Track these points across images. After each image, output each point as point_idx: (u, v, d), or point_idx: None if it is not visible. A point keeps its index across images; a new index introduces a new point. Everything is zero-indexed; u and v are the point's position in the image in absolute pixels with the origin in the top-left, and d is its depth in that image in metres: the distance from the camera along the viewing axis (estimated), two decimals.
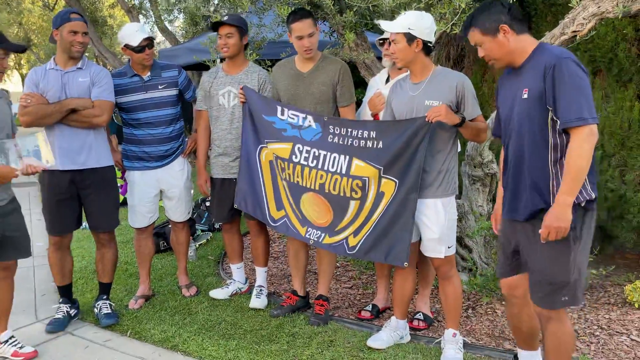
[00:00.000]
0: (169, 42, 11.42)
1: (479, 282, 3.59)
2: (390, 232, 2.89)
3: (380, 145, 2.88)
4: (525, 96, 2.23)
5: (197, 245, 4.89)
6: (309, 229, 3.19)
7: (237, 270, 3.81)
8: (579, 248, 2.21)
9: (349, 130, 3.00)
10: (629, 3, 2.75)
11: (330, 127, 3.06)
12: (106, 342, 3.18)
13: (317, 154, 3.10)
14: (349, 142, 2.99)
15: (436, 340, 3.05)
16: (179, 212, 3.73)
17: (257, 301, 3.55)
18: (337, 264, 4.35)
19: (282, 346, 3.03)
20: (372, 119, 3.30)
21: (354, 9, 4.00)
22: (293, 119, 3.19)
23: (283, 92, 3.36)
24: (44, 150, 2.93)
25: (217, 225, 5.48)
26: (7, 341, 3.04)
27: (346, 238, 3.06)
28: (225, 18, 3.39)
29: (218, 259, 4.68)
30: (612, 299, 3.64)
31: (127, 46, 3.43)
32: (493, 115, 3.58)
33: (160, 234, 4.82)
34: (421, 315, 3.33)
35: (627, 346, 3.02)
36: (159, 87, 3.52)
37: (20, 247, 3.03)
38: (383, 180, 2.90)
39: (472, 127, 2.72)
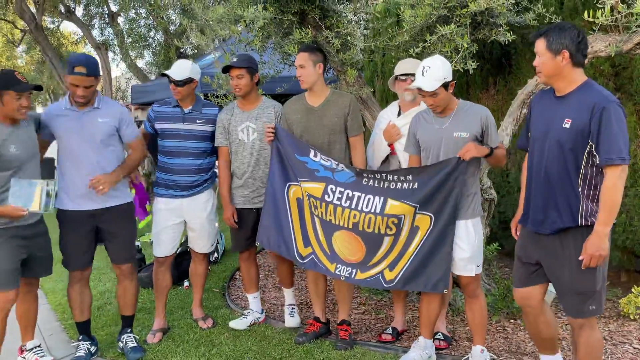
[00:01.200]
0: (137, 78, 11.42)
1: (489, 301, 3.79)
2: (429, 263, 3.02)
3: (416, 185, 3.03)
4: (567, 126, 2.45)
5: None
6: (339, 265, 3.24)
7: (253, 300, 3.86)
8: (604, 261, 2.45)
9: (384, 175, 3.14)
10: (620, 43, 3.11)
11: (364, 174, 3.20)
12: None
13: (350, 195, 3.19)
14: (385, 185, 3.12)
15: (464, 358, 3.20)
16: (201, 243, 3.77)
17: (292, 320, 3.68)
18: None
19: None
20: (387, 148, 3.50)
21: (357, 48, 4.27)
22: (326, 162, 3.30)
23: (295, 125, 3.50)
24: (36, 198, 2.95)
25: (212, 259, 5.48)
26: (32, 349, 3.28)
27: (381, 272, 3.14)
28: (235, 60, 3.54)
29: (223, 291, 4.68)
30: (606, 312, 3.91)
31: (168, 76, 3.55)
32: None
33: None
34: (441, 335, 3.47)
35: (632, 354, 3.28)
36: (197, 121, 3.62)
37: (44, 265, 3.25)
38: (418, 215, 3.04)
39: (497, 155, 2.96)
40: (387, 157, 3.49)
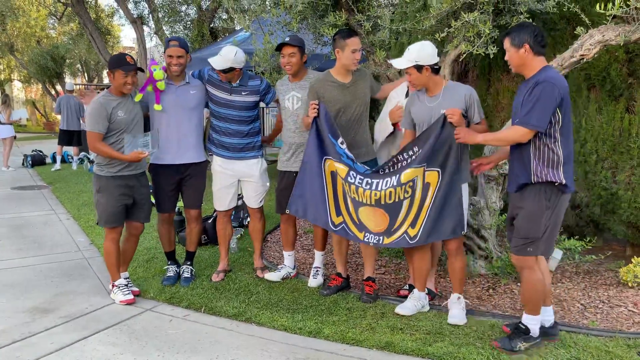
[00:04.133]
0: None
1: (498, 266, 4.19)
2: (444, 213, 3.37)
3: (420, 151, 3.40)
4: (521, 101, 2.99)
5: (236, 239, 5.35)
6: (367, 233, 3.60)
7: (288, 257, 4.32)
8: (549, 215, 2.99)
9: (395, 159, 3.52)
10: (629, 33, 3.40)
11: (380, 170, 3.58)
12: (186, 316, 3.64)
13: (370, 181, 3.55)
14: (398, 166, 3.51)
15: (444, 303, 3.71)
16: (253, 198, 4.29)
17: (314, 281, 4.11)
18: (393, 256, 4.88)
19: (342, 317, 3.55)
20: (391, 127, 3.88)
21: (386, 30, 4.60)
22: (349, 153, 3.67)
23: (333, 102, 3.82)
24: (153, 142, 3.84)
25: (245, 222, 5.95)
26: (126, 278, 4.08)
27: (405, 231, 3.48)
28: (288, 39, 3.91)
29: None
30: (607, 280, 4.27)
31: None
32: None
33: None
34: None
35: (626, 315, 3.65)
36: (242, 93, 4.07)
37: (145, 213, 4.00)
38: (427, 172, 3.39)
39: (481, 131, 3.33)
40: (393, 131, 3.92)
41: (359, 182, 3.59)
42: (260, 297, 3.90)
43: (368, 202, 3.57)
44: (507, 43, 3.08)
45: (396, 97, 3.96)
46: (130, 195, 3.84)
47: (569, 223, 4.92)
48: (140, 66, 3.85)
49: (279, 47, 3.93)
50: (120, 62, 3.71)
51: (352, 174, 3.63)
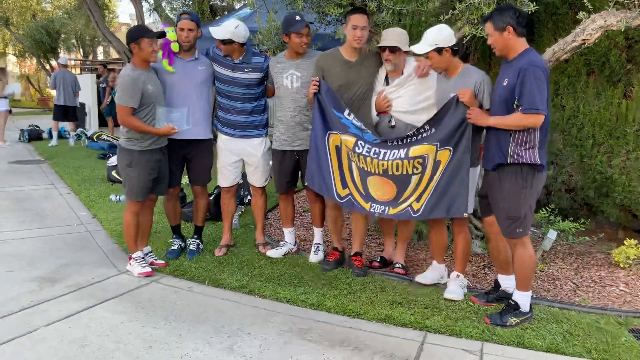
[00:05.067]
0: None
1: None
2: (449, 190, 3.43)
3: (433, 130, 3.45)
4: (505, 84, 3.11)
5: (238, 215, 5.43)
6: (373, 204, 3.69)
7: (288, 234, 4.41)
8: (526, 194, 3.11)
9: (405, 139, 3.56)
10: (630, 19, 3.46)
11: (389, 142, 3.62)
12: (190, 288, 3.73)
13: (377, 151, 3.62)
14: (407, 140, 3.55)
15: (441, 279, 3.84)
16: (256, 178, 4.36)
17: (314, 257, 4.22)
18: (368, 233, 4.97)
19: (342, 291, 3.66)
20: (377, 117, 3.90)
21: (390, 10, 4.63)
22: (357, 122, 3.71)
23: (335, 78, 3.86)
24: (184, 120, 3.90)
25: (245, 200, 6.03)
26: (147, 254, 4.16)
27: (410, 205, 3.57)
28: (301, 19, 3.89)
29: None
30: (599, 261, 4.40)
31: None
32: None
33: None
34: (400, 264, 4.09)
35: (617, 294, 3.78)
36: (245, 69, 4.09)
37: (164, 185, 4.09)
38: (439, 151, 3.45)
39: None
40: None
41: (366, 152, 3.66)
42: (262, 271, 4.00)
43: (376, 172, 3.65)
44: (489, 28, 3.15)
45: (378, 84, 3.93)
46: (157, 169, 3.91)
47: (564, 205, 5.03)
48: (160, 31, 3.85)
49: (296, 28, 3.87)
50: (143, 31, 3.75)
51: (360, 144, 3.69)
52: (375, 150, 3.65)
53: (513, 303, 3.27)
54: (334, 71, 3.90)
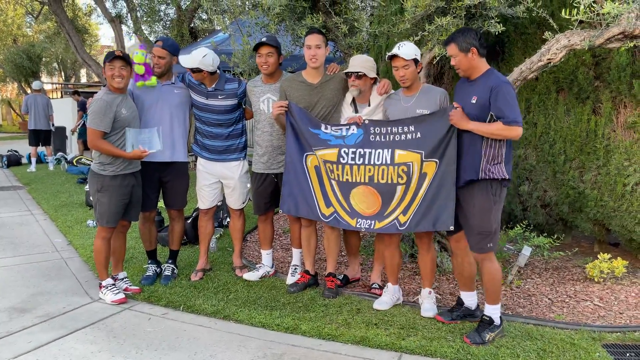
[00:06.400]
0: (150, 53, 11.79)
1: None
2: (435, 203, 3.40)
3: (419, 135, 3.43)
4: (474, 102, 3.17)
5: (216, 238, 5.39)
6: (359, 219, 3.66)
7: (266, 256, 4.38)
8: (496, 208, 3.21)
9: (389, 128, 3.54)
10: (593, 38, 3.55)
11: (371, 128, 3.59)
12: (164, 314, 3.67)
13: (362, 152, 3.61)
14: (390, 137, 3.53)
15: (416, 297, 3.86)
16: (233, 200, 4.34)
17: (292, 279, 4.17)
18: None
19: (319, 314, 3.63)
20: None
21: (363, 33, 4.70)
22: (336, 132, 3.71)
23: (297, 100, 3.89)
24: (155, 141, 3.86)
25: (225, 222, 6.00)
26: (122, 279, 4.10)
27: (396, 218, 3.54)
28: (265, 39, 3.96)
29: None
30: (575, 276, 4.43)
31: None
32: None
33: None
34: (377, 285, 4.11)
35: (591, 309, 3.80)
36: (219, 97, 4.09)
37: (137, 211, 4.07)
38: (425, 163, 3.42)
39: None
40: None
41: (351, 159, 3.65)
42: (238, 295, 3.96)
43: (362, 181, 3.63)
44: (454, 49, 3.22)
45: (347, 106, 3.95)
46: (129, 194, 3.87)
47: (540, 221, 5.08)
48: (123, 54, 3.79)
49: (257, 47, 3.99)
50: (106, 56, 3.76)
51: (344, 152, 3.67)
52: (360, 152, 3.63)
53: (487, 318, 3.29)
54: (296, 94, 3.95)
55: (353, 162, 3.66)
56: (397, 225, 3.56)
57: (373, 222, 3.63)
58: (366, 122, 3.66)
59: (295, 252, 4.31)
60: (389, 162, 3.54)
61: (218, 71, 4.14)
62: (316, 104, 3.91)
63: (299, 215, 3.97)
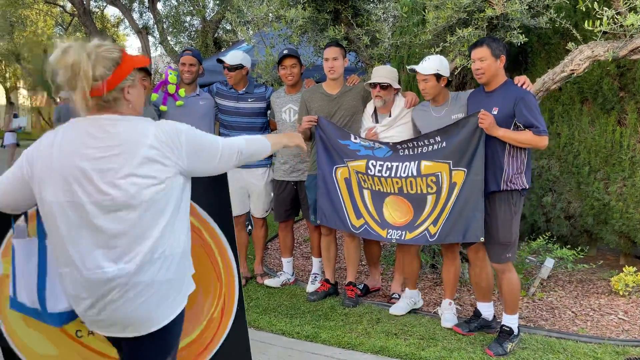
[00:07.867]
0: (175, 62, 12.02)
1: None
2: (464, 214, 3.31)
3: (444, 144, 3.40)
4: (495, 113, 3.16)
5: None
6: (390, 230, 3.65)
7: (287, 264, 4.43)
8: (516, 219, 3.23)
9: (416, 142, 3.53)
10: (617, 49, 3.52)
11: (399, 146, 3.59)
12: None
13: (389, 166, 3.60)
14: (418, 150, 3.52)
15: (436, 308, 3.86)
16: (257, 208, 4.41)
17: (312, 287, 4.22)
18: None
19: (338, 323, 3.65)
20: None
21: (385, 44, 4.74)
22: (365, 142, 3.72)
23: (317, 111, 3.97)
24: None
25: (246, 230, 6.06)
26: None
27: (427, 229, 3.51)
28: (287, 51, 4.05)
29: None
30: (599, 289, 4.37)
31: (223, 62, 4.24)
32: None
33: None
34: (397, 295, 4.10)
35: (616, 323, 3.74)
36: (249, 99, 4.24)
37: None
38: (454, 172, 3.39)
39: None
40: None
41: (379, 171, 3.65)
42: (259, 302, 4.01)
43: (392, 191, 3.63)
44: (486, 52, 3.16)
45: (367, 116, 3.97)
46: None
47: (564, 232, 5.02)
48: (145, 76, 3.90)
49: (281, 60, 4.07)
50: None
51: (372, 164, 3.67)
52: (387, 165, 3.62)
53: (507, 328, 3.28)
54: (316, 104, 4.02)
55: (380, 175, 3.65)
56: (427, 237, 3.52)
57: (404, 232, 3.61)
58: (391, 143, 3.63)
59: (316, 260, 4.35)
60: (415, 174, 3.52)
61: (248, 75, 4.30)
62: (334, 114, 3.98)
63: (329, 225, 3.98)
